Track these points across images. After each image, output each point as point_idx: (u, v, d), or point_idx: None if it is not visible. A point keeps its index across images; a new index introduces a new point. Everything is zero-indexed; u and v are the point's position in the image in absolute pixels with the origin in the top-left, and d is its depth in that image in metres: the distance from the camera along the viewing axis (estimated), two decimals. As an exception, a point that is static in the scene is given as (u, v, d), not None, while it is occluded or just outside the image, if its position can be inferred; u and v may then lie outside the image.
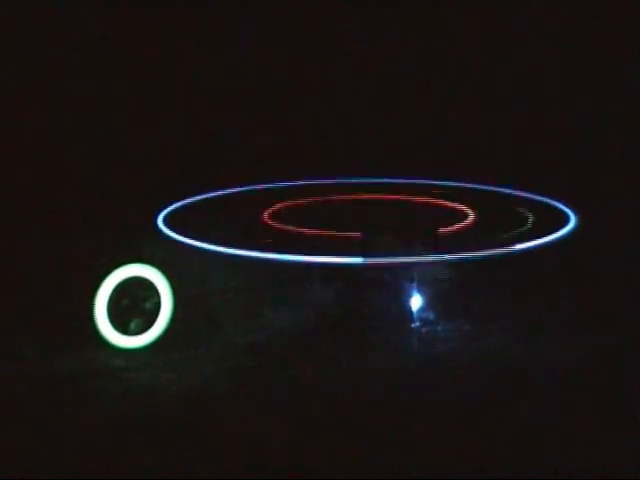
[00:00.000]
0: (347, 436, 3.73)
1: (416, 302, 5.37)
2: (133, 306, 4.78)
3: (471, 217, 6.95)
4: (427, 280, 5.44)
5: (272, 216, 6.25)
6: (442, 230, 6.19)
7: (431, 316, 5.21)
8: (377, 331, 4.97)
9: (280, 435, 3.79)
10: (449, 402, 4.10)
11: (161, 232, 5.11)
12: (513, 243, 5.70)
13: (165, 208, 5.48)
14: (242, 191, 6.41)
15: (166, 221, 5.26)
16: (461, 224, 6.71)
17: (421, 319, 5.20)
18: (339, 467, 3.48)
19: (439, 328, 5.06)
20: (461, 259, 5.51)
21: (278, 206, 6.47)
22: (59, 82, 5.85)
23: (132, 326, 4.75)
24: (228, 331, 4.86)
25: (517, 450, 3.61)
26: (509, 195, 7.05)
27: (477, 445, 3.67)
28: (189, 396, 4.12)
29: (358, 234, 5.86)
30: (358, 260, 5.47)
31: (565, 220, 5.98)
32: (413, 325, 5.18)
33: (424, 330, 5.04)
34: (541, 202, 6.71)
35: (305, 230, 5.93)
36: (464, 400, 4.10)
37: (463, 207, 7.14)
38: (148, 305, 4.78)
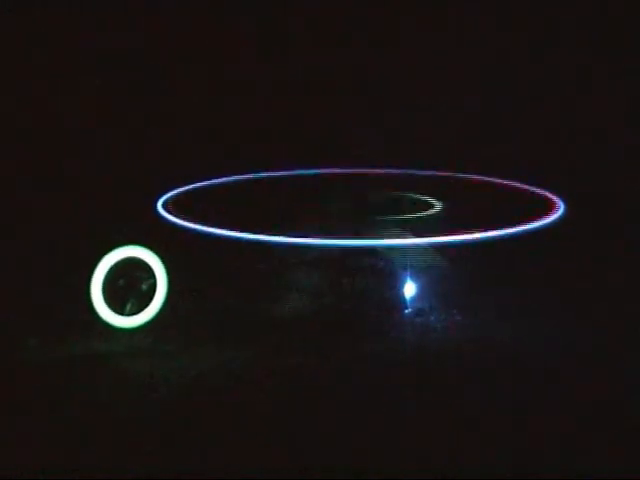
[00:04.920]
0: (346, 430, 3.77)
1: (409, 289, 5.44)
2: (129, 287, 4.88)
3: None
4: (419, 266, 5.50)
5: None
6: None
7: (424, 304, 5.26)
8: (370, 318, 5.02)
9: (278, 424, 3.81)
10: (445, 394, 4.12)
11: (159, 215, 5.21)
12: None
13: (164, 194, 5.58)
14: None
15: (165, 205, 5.36)
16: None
17: (414, 305, 5.27)
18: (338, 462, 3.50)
19: (432, 318, 5.10)
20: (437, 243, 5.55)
21: None
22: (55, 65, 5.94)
23: (128, 307, 4.86)
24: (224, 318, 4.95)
25: (516, 443, 3.61)
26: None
27: (474, 437, 3.68)
28: (188, 385, 4.17)
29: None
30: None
31: (553, 207, 6.03)
32: (406, 311, 5.26)
33: (418, 320, 5.08)
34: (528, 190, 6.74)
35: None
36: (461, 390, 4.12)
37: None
38: (144, 286, 4.88)
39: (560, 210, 5.86)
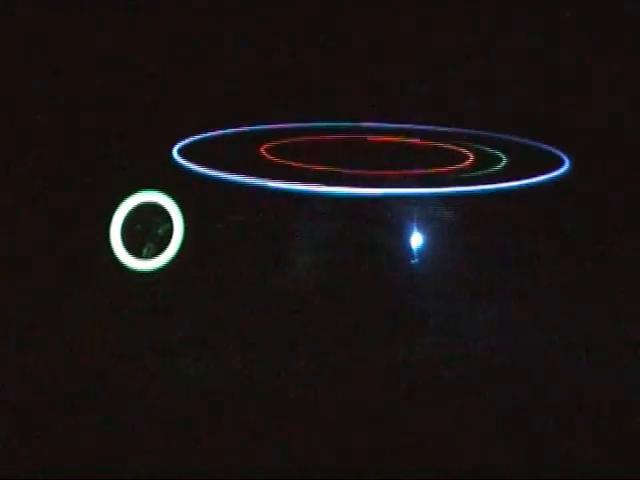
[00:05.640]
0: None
1: (416, 239, 5.60)
2: (146, 231, 5.02)
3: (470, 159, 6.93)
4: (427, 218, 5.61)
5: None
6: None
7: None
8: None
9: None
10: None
11: (175, 162, 5.31)
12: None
13: (177, 142, 5.66)
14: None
15: (180, 152, 5.46)
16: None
17: (419, 256, 5.39)
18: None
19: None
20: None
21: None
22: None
23: (145, 250, 5.02)
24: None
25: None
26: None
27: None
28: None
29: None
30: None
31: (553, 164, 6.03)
32: (413, 261, 5.40)
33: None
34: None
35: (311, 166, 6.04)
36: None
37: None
38: (160, 231, 5.03)
39: (565, 166, 5.93)
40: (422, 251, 5.44)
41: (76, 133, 5.38)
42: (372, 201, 5.69)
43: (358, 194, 5.59)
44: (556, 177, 5.76)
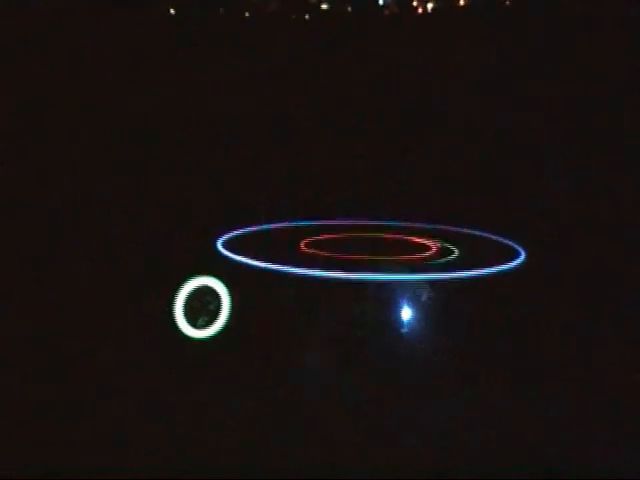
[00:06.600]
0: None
1: (406, 313, 6.77)
2: (201, 307, 6.25)
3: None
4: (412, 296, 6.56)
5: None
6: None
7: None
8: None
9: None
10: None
11: (220, 253, 6.64)
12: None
13: (221, 236, 6.91)
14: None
15: (224, 245, 6.78)
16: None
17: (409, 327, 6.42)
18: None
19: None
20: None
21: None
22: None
23: (199, 322, 6.30)
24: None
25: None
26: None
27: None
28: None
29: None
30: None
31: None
32: (403, 330, 6.61)
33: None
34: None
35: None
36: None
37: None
38: (212, 306, 6.30)
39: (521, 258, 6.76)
40: (410, 323, 6.65)
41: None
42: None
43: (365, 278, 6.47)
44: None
